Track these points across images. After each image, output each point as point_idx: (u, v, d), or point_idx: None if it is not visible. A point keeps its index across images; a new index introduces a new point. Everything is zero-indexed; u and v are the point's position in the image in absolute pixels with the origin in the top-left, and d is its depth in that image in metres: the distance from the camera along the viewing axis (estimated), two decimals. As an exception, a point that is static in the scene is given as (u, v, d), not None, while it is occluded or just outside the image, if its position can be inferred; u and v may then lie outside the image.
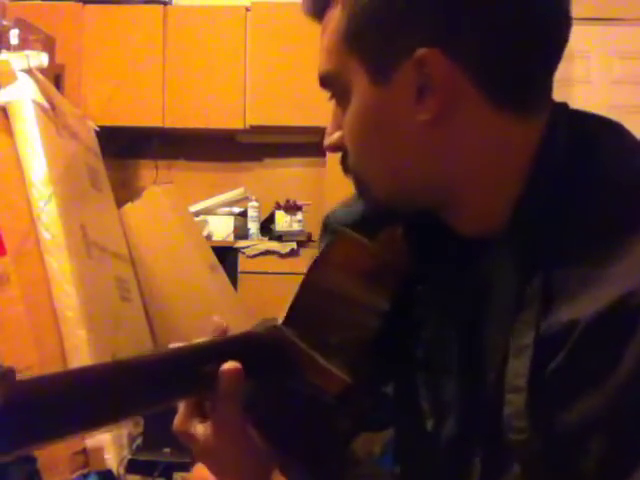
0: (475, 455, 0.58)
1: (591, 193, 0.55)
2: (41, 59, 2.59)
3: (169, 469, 2.18)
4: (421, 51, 0.53)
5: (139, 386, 0.52)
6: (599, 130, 0.59)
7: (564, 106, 0.60)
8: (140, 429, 2.34)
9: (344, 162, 0.64)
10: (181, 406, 0.61)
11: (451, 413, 0.61)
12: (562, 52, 0.57)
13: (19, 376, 0.45)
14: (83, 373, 0.52)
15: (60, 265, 2.26)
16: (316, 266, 0.64)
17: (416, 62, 0.54)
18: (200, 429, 0.60)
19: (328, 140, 0.64)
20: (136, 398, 0.53)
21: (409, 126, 0.57)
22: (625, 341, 0.47)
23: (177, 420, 0.61)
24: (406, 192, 0.61)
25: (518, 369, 0.52)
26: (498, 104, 0.55)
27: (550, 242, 0.54)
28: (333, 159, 3.52)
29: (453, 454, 0.60)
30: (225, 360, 0.56)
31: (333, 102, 0.63)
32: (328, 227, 0.78)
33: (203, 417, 0.60)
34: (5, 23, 2.67)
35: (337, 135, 0.63)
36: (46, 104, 2.50)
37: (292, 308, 0.62)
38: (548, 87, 0.59)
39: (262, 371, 0.58)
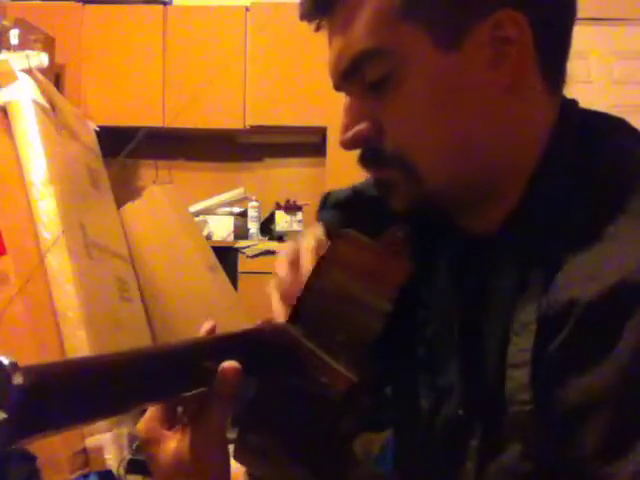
0: (472, 436, 0.58)
1: (594, 181, 0.55)
2: (41, 59, 2.59)
3: (169, 469, 2.18)
4: (503, 12, 0.52)
5: (140, 377, 0.52)
6: (603, 126, 0.59)
7: (574, 102, 0.60)
8: (140, 429, 2.34)
9: (368, 157, 0.60)
10: (149, 410, 0.57)
11: (449, 401, 0.61)
12: None
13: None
14: (85, 362, 0.52)
15: (60, 265, 2.26)
16: (320, 265, 0.64)
17: (494, 24, 0.52)
18: (172, 436, 0.55)
19: (352, 133, 0.59)
20: (136, 389, 0.52)
21: (482, 93, 0.55)
22: (625, 320, 0.48)
23: (144, 424, 0.56)
24: (467, 174, 0.57)
25: (521, 345, 0.53)
26: (546, 79, 0.55)
27: (553, 226, 0.54)
28: (333, 159, 3.50)
29: (450, 441, 0.60)
30: (227, 357, 0.54)
31: (351, 95, 0.59)
32: (328, 201, 0.77)
33: (174, 423, 0.56)
34: (5, 23, 2.67)
35: (364, 125, 0.58)
36: (46, 104, 2.50)
37: (296, 307, 0.62)
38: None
39: (266, 368, 0.58)
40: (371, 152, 0.59)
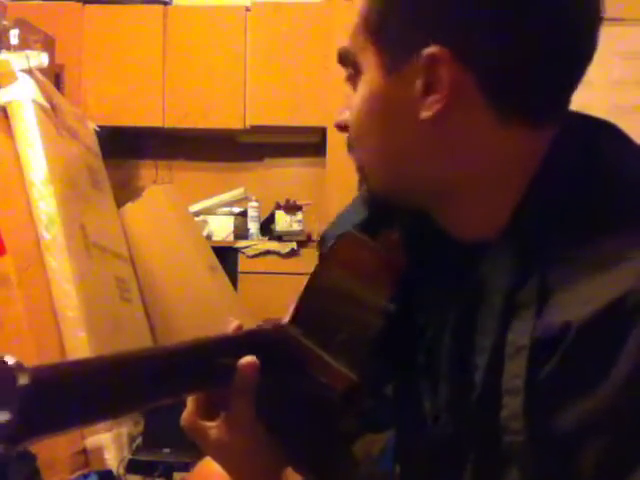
0: (467, 456, 0.57)
1: (588, 199, 0.55)
2: (41, 59, 2.59)
3: (169, 469, 2.18)
4: (432, 48, 0.53)
5: (156, 376, 0.52)
6: (597, 132, 0.59)
7: (574, 115, 0.60)
8: (140, 429, 2.34)
9: (348, 144, 0.64)
10: (189, 402, 0.62)
11: (444, 414, 0.61)
12: (581, 71, 0.57)
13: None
14: (101, 361, 0.52)
15: (60, 265, 2.26)
16: (321, 266, 0.64)
17: (427, 58, 0.54)
18: (211, 425, 0.60)
19: (337, 119, 0.65)
20: (151, 388, 0.53)
21: (409, 120, 0.57)
22: (619, 343, 0.47)
23: (186, 416, 0.62)
24: (400, 186, 0.61)
25: (515, 370, 0.52)
26: (505, 114, 0.55)
27: (548, 245, 0.54)
28: (333, 159, 3.50)
29: (447, 455, 0.60)
30: (241, 355, 0.57)
31: (348, 82, 0.63)
32: (326, 241, 0.77)
33: (212, 412, 0.61)
34: (5, 23, 2.67)
35: (347, 115, 0.63)
36: (46, 104, 2.50)
37: (297, 307, 0.62)
38: (563, 101, 0.58)
39: (269, 368, 0.59)
40: (350, 140, 0.64)
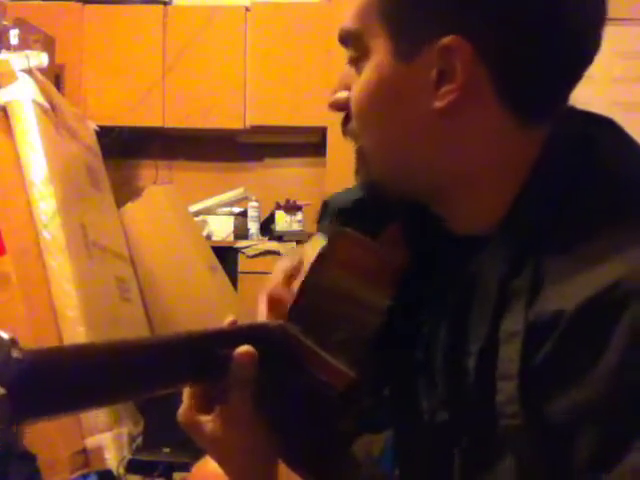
0: (456, 445, 0.57)
1: (584, 193, 0.55)
2: (41, 59, 2.59)
3: (169, 469, 2.18)
4: (450, 37, 0.54)
5: (153, 364, 0.52)
6: (595, 128, 0.59)
7: (571, 110, 0.61)
8: (140, 429, 2.34)
9: (345, 124, 0.64)
10: (185, 397, 0.61)
11: (440, 411, 0.61)
12: (584, 70, 0.58)
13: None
14: (98, 346, 0.52)
15: (60, 265, 2.26)
16: (318, 264, 0.64)
17: (442, 47, 0.54)
18: (207, 418, 0.60)
19: (334, 98, 0.64)
20: (148, 376, 0.52)
21: (419, 109, 0.57)
22: (611, 330, 0.48)
23: (182, 411, 0.61)
24: (401, 175, 0.61)
25: (509, 355, 0.52)
26: (510, 107, 0.56)
27: (543, 238, 0.54)
28: (333, 159, 3.49)
29: (444, 453, 0.60)
30: (238, 346, 0.56)
31: (347, 63, 0.63)
32: (328, 209, 0.78)
33: (209, 406, 0.60)
34: (5, 23, 2.67)
35: (344, 95, 0.63)
36: (46, 104, 2.50)
37: (295, 305, 0.62)
38: (563, 97, 0.59)
39: (266, 363, 0.58)
40: (347, 120, 0.63)
